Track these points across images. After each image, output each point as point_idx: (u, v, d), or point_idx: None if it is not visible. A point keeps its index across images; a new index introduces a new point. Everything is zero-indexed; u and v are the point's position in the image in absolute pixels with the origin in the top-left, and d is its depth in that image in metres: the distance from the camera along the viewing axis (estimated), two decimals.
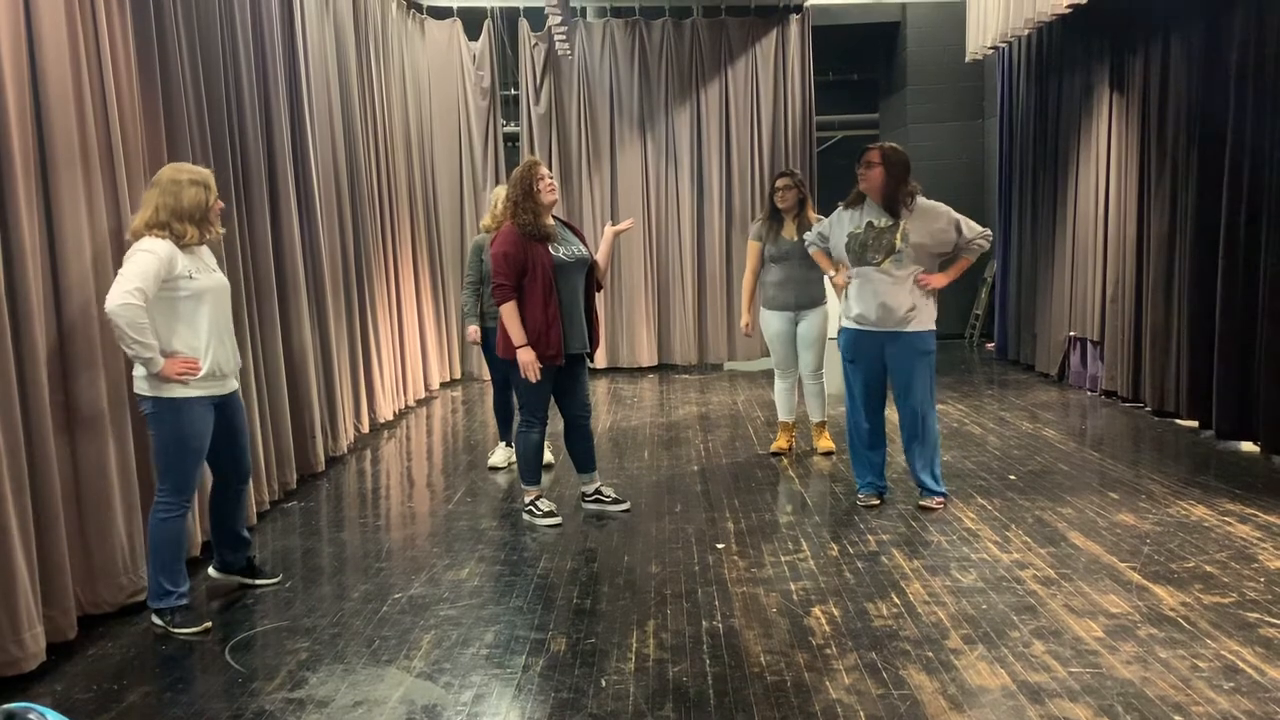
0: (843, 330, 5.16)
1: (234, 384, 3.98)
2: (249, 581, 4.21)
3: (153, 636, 3.74)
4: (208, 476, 4.23)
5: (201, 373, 3.73)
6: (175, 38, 4.52)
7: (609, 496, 5.24)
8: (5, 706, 2.22)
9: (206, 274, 3.80)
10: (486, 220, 6.11)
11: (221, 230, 3.97)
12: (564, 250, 4.95)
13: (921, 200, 4.96)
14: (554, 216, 5.03)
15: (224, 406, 3.90)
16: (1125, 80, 7.55)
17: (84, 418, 3.79)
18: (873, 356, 5.04)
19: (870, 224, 4.94)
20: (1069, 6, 6.96)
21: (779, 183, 6.13)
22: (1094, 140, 8.04)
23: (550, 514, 5.04)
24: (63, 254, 3.74)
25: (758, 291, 6.31)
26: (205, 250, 3.90)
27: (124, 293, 3.51)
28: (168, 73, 4.44)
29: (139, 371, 3.70)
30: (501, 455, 6.28)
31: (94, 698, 3.26)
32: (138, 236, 3.68)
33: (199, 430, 3.76)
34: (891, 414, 5.26)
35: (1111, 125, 7.74)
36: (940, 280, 4.94)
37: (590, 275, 5.09)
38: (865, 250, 4.93)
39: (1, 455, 3.27)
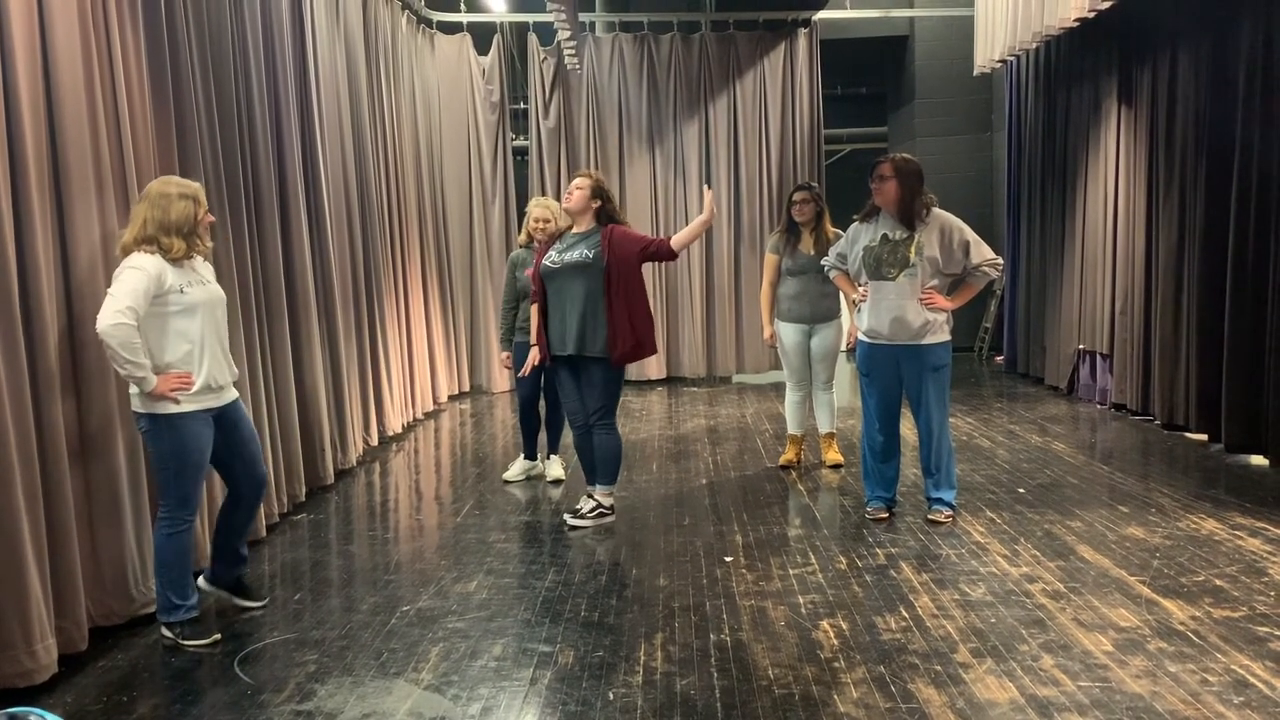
0: (858, 343, 5.16)
1: (231, 394, 3.92)
2: (235, 600, 4.14)
3: (162, 648, 3.75)
4: (217, 489, 4.24)
5: (195, 387, 3.69)
6: (188, 56, 4.56)
7: (580, 510, 5.24)
8: (7, 710, 2.23)
9: (198, 287, 3.75)
10: (521, 237, 6.19)
11: (210, 244, 3.92)
12: (554, 255, 5.15)
13: (937, 212, 4.93)
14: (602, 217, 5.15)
15: (223, 417, 3.86)
16: (1134, 93, 7.56)
17: (95, 431, 3.81)
18: (887, 370, 5.03)
19: (885, 237, 4.93)
20: (1077, 20, 6.98)
21: (796, 196, 6.11)
22: (1102, 153, 8.05)
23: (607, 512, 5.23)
24: (76, 271, 3.76)
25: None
26: (200, 262, 3.86)
27: (115, 313, 3.47)
28: (180, 91, 4.48)
29: (134, 389, 3.65)
30: (518, 468, 6.28)
31: (103, 709, 3.27)
32: (126, 252, 3.64)
33: (198, 445, 3.72)
34: (905, 428, 5.25)
35: (1120, 138, 7.74)
36: (945, 304, 4.90)
37: (602, 277, 5.00)
38: (880, 264, 4.92)
39: (15, 468, 3.30)
